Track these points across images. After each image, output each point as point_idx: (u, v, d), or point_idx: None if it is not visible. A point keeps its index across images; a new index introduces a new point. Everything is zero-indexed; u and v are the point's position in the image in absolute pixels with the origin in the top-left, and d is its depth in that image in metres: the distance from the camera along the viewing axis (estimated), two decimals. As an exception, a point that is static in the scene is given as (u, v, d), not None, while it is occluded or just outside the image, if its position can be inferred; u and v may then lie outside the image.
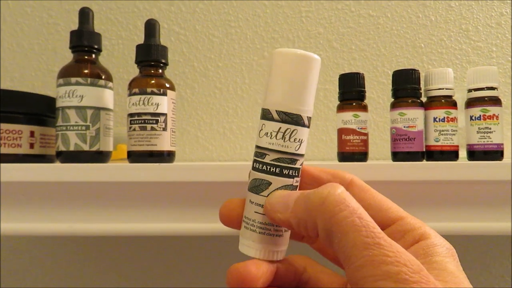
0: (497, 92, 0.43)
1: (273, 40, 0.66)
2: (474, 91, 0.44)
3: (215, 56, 0.66)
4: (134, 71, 0.66)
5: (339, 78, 0.46)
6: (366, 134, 0.44)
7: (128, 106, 0.40)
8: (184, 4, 0.66)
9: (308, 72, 0.25)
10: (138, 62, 0.42)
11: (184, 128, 0.65)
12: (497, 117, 0.42)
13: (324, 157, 0.65)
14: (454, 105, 0.44)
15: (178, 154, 0.65)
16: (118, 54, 0.66)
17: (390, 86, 0.46)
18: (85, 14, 0.44)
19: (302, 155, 0.26)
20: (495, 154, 0.42)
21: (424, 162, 0.41)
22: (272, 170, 0.25)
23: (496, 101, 0.42)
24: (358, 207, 0.21)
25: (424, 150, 0.43)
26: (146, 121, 0.39)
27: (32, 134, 0.42)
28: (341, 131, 0.45)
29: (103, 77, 0.43)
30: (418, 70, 0.44)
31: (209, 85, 0.66)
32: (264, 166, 0.26)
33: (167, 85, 0.41)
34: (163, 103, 0.40)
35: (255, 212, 0.26)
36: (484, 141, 0.42)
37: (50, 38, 0.66)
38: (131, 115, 0.40)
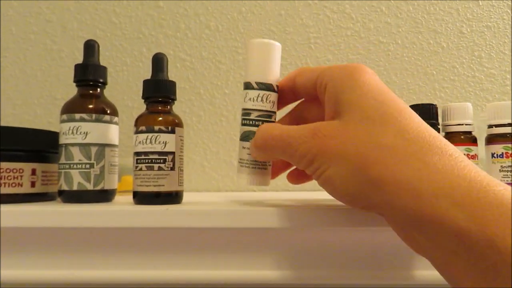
0: (520, 129, 0.41)
1: (282, 68, 0.64)
2: (495, 127, 0.42)
3: (222, 83, 0.64)
4: (139, 99, 0.65)
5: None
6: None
7: (135, 144, 0.38)
8: (190, 30, 0.65)
9: (273, 54, 0.37)
10: (145, 98, 0.40)
11: (190, 157, 0.63)
12: (520, 155, 0.40)
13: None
14: (474, 141, 0.42)
15: (184, 185, 0.63)
16: (123, 81, 0.64)
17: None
18: (90, 47, 0.42)
19: (275, 112, 0.37)
20: (518, 193, 0.40)
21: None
22: (257, 124, 0.36)
23: (518, 138, 0.41)
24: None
25: (443, 188, 0.41)
26: (153, 160, 0.37)
27: (33, 172, 0.41)
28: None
29: (108, 112, 0.41)
30: (435, 105, 0.43)
31: (215, 112, 0.64)
32: (251, 121, 0.36)
33: (175, 122, 0.39)
34: (171, 141, 0.38)
35: (247, 154, 0.36)
36: (507, 180, 0.40)
37: (53, 64, 0.65)
38: (137, 153, 0.38)
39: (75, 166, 0.39)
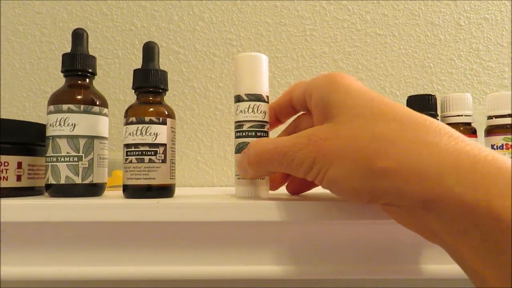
0: (520, 120, 0.40)
1: (276, 60, 0.63)
2: (495, 118, 0.41)
3: (216, 76, 0.63)
4: (131, 92, 0.64)
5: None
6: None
7: (124, 135, 0.37)
8: (184, 22, 0.64)
9: (260, 66, 0.38)
10: (136, 88, 0.39)
11: (184, 152, 0.62)
12: (520, 146, 0.39)
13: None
14: (473, 132, 0.41)
15: (177, 179, 0.61)
16: (114, 74, 0.63)
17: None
18: (78, 36, 0.41)
19: (267, 122, 0.38)
20: (519, 186, 0.39)
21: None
22: (250, 134, 0.37)
23: (518, 129, 0.40)
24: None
25: (442, 181, 0.40)
26: (144, 152, 0.36)
27: (19, 165, 0.39)
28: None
29: (97, 103, 0.40)
30: (434, 95, 0.42)
31: (209, 106, 0.63)
32: (244, 132, 0.37)
33: (167, 113, 0.38)
34: (163, 133, 0.37)
35: None
36: (507, 172, 0.39)
37: (42, 57, 0.63)
38: (127, 145, 0.37)
39: (62, 159, 0.38)
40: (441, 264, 0.33)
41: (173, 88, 0.63)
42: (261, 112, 0.38)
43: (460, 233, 0.20)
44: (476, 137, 0.41)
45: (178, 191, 0.51)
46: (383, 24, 0.64)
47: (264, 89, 0.38)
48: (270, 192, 0.38)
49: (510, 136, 0.39)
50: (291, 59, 0.63)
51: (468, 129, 0.41)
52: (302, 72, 0.63)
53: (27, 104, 0.62)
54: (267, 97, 0.38)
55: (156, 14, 0.63)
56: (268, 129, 0.38)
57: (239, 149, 0.38)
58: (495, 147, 0.40)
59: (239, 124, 0.38)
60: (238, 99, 0.38)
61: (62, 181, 0.37)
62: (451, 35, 0.64)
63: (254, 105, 0.37)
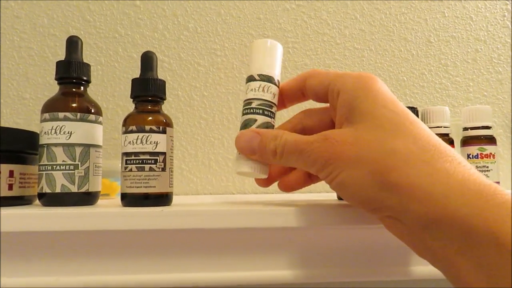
0: (492, 131, 0.44)
1: (259, 70, 0.65)
2: (471, 129, 0.44)
3: (201, 85, 0.64)
4: (114, 100, 0.63)
5: (338, 114, 0.46)
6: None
7: (123, 144, 0.37)
8: (168, 31, 0.64)
9: (275, 52, 0.39)
10: (134, 97, 0.39)
11: (168, 160, 0.62)
12: (493, 155, 0.43)
13: (311, 189, 0.64)
14: (451, 143, 0.44)
15: (161, 187, 0.61)
16: (97, 81, 0.62)
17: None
18: (73, 43, 0.41)
19: (275, 104, 0.37)
20: (492, 192, 0.43)
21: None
22: (258, 112, 0.36)
23: (491, 140, 0.43)
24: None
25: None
26: (144, 161, 0.36)
27: (11, 174, 0.38)
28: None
29: (92, 111, 0.40)
30: (416, 108, 0.45)
31: (194, 115, 0.63)
32: (252, 109, 0.37)
33: (166, 122, 0.38)
34: (162, 141, 0.37)
35: None
36: (482, 180, 0.43)
37: (21, 62, 0.61)
38: (127, 154, 0.37)
39: (58, 167, 0.37)
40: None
41: (158, 97, 0.63)
42: (271, 93, 0.37)
43: (459, 253, 0.22)
44: (453, 147, 0.44)
45: (180, 199, 0.51)
46: (361, 39, 0.67)
47: (276, 73, 0.38)
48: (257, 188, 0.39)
49: (484, 147, 0.43)
50: (274, 70, 0.65)
51: (446, 140, 0.44)
52: (290, 76, 0.65)
53: (5, 110, 0.60)
54: (278, 81, 0.38)
55: (141, 22, 0.63)
56: (275, 111, 0.38)
57: (245, 125, 0.37)
58: (470, 156, 0.43)
59: (248, 102, 0.37)
60: (250, 79, 0.38)
61: (58, 190, 0.37)
62: (422, 51, 0.68)
63: (265, 85, 0.37)
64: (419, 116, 0.46)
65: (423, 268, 0.35)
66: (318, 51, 0.66)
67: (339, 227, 0.35)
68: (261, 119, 0.37)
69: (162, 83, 0.40)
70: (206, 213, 0.33)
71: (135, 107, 0.39)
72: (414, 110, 0.44)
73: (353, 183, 0.25)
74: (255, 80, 0.38)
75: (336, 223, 0.34)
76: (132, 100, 0.39)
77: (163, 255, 0.34)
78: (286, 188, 0.38)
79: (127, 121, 0.38)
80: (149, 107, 0.39)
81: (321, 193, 0.63)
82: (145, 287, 0.33)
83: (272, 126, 0.38)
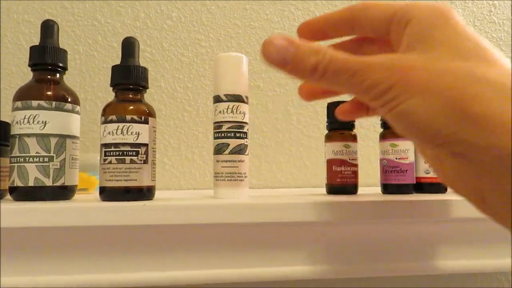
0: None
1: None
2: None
3: (184, 77, 0.62)
4: (93, 90, 0.60)
5: (328, 107, 0.45)
6: (356, 165, 0.43)
7: (103, 135, 0.35)
8: (151, 20, 0.61)
9: (241, 66, 0.38)
10: (114, 85, 0.37)
11: (150, 154, 0.60)
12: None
13: (299, 184, 0.62)
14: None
15: (143, 182, 0.59)
16: (75, 71, 0.59)
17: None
18: (49, 27, 0.38)
19: (246, 123, 0.38)
20: (482, 186, 0.42)
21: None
22: (228, 135, 0.37)
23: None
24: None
25: (414, 182, 0.42)
26: (125, 152, 0.34)
27: (-21, 166, 0.35)
28: (331, 162, 0.43)
29: (69, 100, 0.37)
30: (407, 100, 0.43)
31: (177, 107, 0.61)
32: (223, 133, 0.37)
33: (148, 111, 0.36)
34: (144, 132, 0.35)
35: (222, 167, 0.37)
36: (472, 174, 0.42)
37: (-7, 50, 0.58)
38: (106, 145, 0.35)
39: (31, 160, 0.35)
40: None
41: (139, 88, 0.60)
42: (240, 112, 0.37)
43: None
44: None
45: (161, 194, 0.49)
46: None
47: (244, 90, 0.38)
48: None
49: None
50: (260, 62, 0.63)
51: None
52: (271, 75, 0.63)
53: (-25, 100, 0.57)
54: (247, 97, 0.39)
55: (122, 10, 0.61)
56: (247, 130, 0.38)
57: (218, 150, 0.37)
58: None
59: (218, 125, 0.38)
60: (217, 99, 0.38)
61: (31, 183, 0.34)
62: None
63: (234, 105, 0.37)
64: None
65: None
66: (305, 43, 0.65)
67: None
68: (233, 142, 0.37)
69: (144, 71, 0.37)
70: (190, 208, 0.31)
71: (116, 95, 0.37)
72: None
73: (421, 112, 0.22)
74: (222, 101, 0.37)
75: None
76: (112, 88, 0.37)
77: (145, 252, 0.32)
78: (309, 96, 0.31)
79: (106, 110, 0.36)
80: (130, 96, 0.37)
81: (309, 188, 0.62)
82: (124, 286, 0.31)
83: (245, 147, 0.38)
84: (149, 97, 0.60)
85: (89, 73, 0.60)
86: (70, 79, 0.59)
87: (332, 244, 0.35)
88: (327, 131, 0.44)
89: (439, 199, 0.35)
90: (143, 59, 0.61)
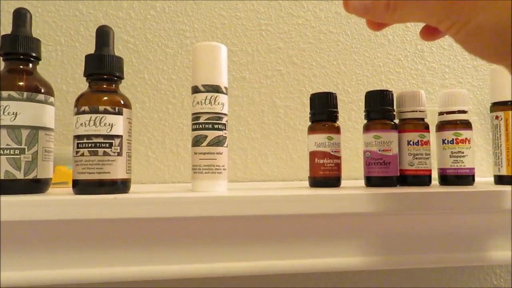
0: (468, 116, 0.43)
1: (231, 53, 0.62)
2: (446, 114, 0.43)
3: (168, 68, 0.60)
4: (74, 82, 0.59)
5: (311, 98, 0.44)
6: (339, 158, 0.42)
7: (75, 126, 0.34)
8: (134, 10, 0.60)
9: (219, 56, 0.37)
10: (88, 75, 0.35)
11: (133, 147, 0.59)
12: (469, 141, 0.42)
13: (285, 178, 0.62)
14: (426, 128, 0.42)
15: (126, 176, 0.58)
16: (56, 62, 0.58)
17: (350, 104, 0.44)
18: (21, 16, 0.37)
19: (226, 114, 0.37)
20: (467, 178, 0.41)
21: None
22: (206, 127, 0.36)
23: (467, 125, 0.42)
24: None
25: (398, 174, 0.42)
26: (98, 144, 0.33)
27: None
28: (314, 154, 0.42)
29: (42, 90, 0.36)
30: (391, 91, 0.43)
31: (161, 99, 0.60)
32: (200, 125, 0.36)
33: (123, 102, 0.35)
34: (118, 124, 0.34)
35: (199, 159, 0.36)
36: (457, 165, 0.41)
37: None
38: (78, 137, 0.34)
39: (1, 152, 0.34)
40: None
41: (122, 80, 0.59)
42: (219, 103, 0.36)
43: None
44: (428, 132, 0.42)
45: (138, 187, 0.48)
46: (336, 22, 0.65)
47: (222, 80, 0.37)
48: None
49: (460, 131, 0.41)
50: (246, 53, 0.62)
51: (422, 124, 0.42)
52: (257, 66, 0.62)
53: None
54: (226, 88, 0.38)
55: (104, 1, 0.59)
56: (226, 121, 0.37)
57: (196, 142, 0.36)
58: (446, 141, 0.42)
59: (195, 116, 0.37)
60: (195, 90, 0.37)
61: (1, 177, 0.33)
62: (399, 36, 0.66)
63: (212, 96, 0.36)
64: (394, 100, 0.44)
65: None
66: (292, 34, 0.64)
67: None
68: (211, 134, 0.36)
69: (119, 60, 0.36)
70: (162, 201, 0.30)
71: (89, 86, 0.36)
72: (389, 93, 0.42)
73: (492, 26, 0.21)
74: (200, 91, 0.36)
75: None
76: (86, 79, 0.36)
77: (118, 247, 0.31)
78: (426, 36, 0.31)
79: (79, 101, 0.35)
80: (104, 86, 0.36)
81: (294, 181, 0.61)
82: (95, 281, 0.30)
83: (224, 139, 0.37)
84: (132, 88, 0.59)
85: (70, 64, 0.58)
86: (51, 70, 0.58)
87: (315, 236, 0.34)
88: (310, 123, 0.43)
89: (423, 191, 0.34)
90: (126, 50, 0.60)
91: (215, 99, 0.37)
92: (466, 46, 0.24)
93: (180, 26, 0.61)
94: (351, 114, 0.64)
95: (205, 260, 0.32)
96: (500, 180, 0.42)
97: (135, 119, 0.59)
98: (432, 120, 0.44)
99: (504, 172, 0.42)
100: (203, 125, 0.36)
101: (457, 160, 0.41)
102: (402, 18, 0.25)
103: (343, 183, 0.49)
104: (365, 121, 0.43)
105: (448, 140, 0.42)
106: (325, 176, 0.41)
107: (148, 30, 0.60)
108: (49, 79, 0.57)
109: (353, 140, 0.64)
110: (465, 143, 0.41)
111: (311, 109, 0.44)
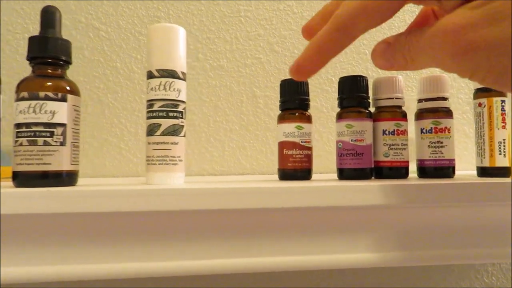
0: (449, 103, 0.40)
1: (208, 41, 0.59)
2: (425, 101, 0.40)
3: (142, 57, 0.58)
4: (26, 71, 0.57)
5: (281, 85, 0.41)
6: (310, 149, 0.39)
7: (15, 114, 0.32)
8: (106, -4, 0.58)
9: (175, 39, 0.34)
10: (31, 58, 0.33)
11: (105, 139, 0.56)
12: (449, 130, 0.39)
13: (264, 171, 0.59)
14: (404, 116, 0.40)
15: (97, 169, 0.56)
16: (24, 52, 0.56)
17: (334, 94, 0.41)
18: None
19: (183, 101, 0.35)
20: (446, 170, 0.38)
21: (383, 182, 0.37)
22: (160, 115, 0.34)
23: (447, 113, 0.39)
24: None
25: (372, 166, 0.39)
26: (37, 133, 0.31)
27: None
28: (282, 145, 0.39)
29: (-15, 76, 0.34)
30: (366, 77, 0.40)
31: (134, 89, 0.57)
32: (154, 113, 0.34)
33: (69, 89, 0.33)
34: (62, 111, 0.32)
35: (153, 149, 0.34)
36: (435, 156, 0.38)
37: None
38: (18, 125, 0.31)
39: None
40: None
41: (93, 69, 0.57)
42: (174, 89, 0.34)
43: None
44: (406, 120, 0.39)
45: (94, 181, 0.46)
46: (319, 8, 0.61)
47: (179, 65, 0.35)
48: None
49: (439, 120, 0.38)
50: (224, 40, 0.60)
51: (399, 113, 0.39)
52: (236, 54, 0.60)
53: None
54: (183, 73, 0.35)
55: (74, -14, 0.57)
56: (184, 109, 0.35)
57: (149, 131, 0.34)
58: (424, 130, 0.39)
59: (149, 104, 0.34)
60: (149, 75, 0.34)
61: None
62: (387, 22, 0.63)
63: (166, 82, 0.34)
64: (371, 87, 0.41)
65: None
66: (273, 20, 0.61)
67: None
68: (165, 123, 0.34)
69: (66, 44, 0.34)
70: (104, 194, 0.28)
71: (32, 70, 0.33)
72: (363, 79, 0.39)
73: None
74: (154, 76, 0.34)
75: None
76: (29, 63, 0.33)
77: (60, 242, 0.29)
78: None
79: (20, 87, 0.32)
80: (49, 70, 0.33)
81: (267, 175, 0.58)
82: (37, 280, 0.28)
83: (181, 128, 0.34)
84: (104, 78, 0.57)
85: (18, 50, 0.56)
86: (18, 59, 0.55)
87: (279, 231, 0.31)
88: (280, 111, 0.41)
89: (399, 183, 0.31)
90: (98, 38, 0.57)
91: (170, 85, 0.34)
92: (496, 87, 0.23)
93: (155, 13, 0.58)
94: (335, 104, 0.61)
95: (153, 258, 0.30)
96: (483, 172, 0.39)
97: (107, 110, 0.57)
98: (413, 110, 0.41)
99: (487, 163, 0.39)
100: (157, 112, 0.34)
101: (436, 151, 0.38)
102: (423, 66, 0.25)
103: (318, 176, 0.46)
104: (338, 109, 0.40)
105: (426, 129, 0.39)
106: (295, 168, 0.39)
107: (121, 16, 0.58)
108: (17, 69, 0.55)
109: (333, 130, 0.61)
110: (445, 132, 0.38)
111: (281, 96, 0.41)
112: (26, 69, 0.34)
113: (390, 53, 0.27)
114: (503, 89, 0.23)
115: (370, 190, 0.31)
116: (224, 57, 0.59)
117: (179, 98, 0.34)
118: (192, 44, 0.59)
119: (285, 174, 0.39)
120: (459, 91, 0.64)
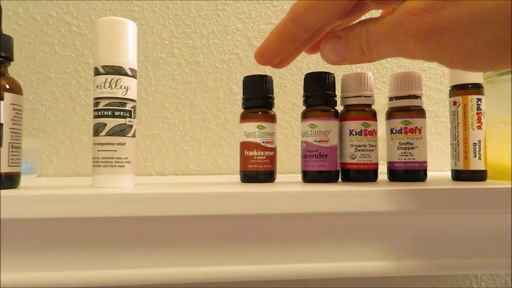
0: (421, 102, 0.37)
1: (184, 35, 0.57)
2: (396, 99, 0.37)
3: (115, 52, 0.56)
4: (15, 69, 0.55)
5: (243, 81, 0.39)
6: (273, 150, 0.37)
7: (-51, 113, 0.30)
8: (78, -11, 0.56)
9: (123, 33, 0.33)
10: (-33, 55, 0.31)
11: (76, 137, 0.55)
12: (420, 130, 0.36)
13: (233, 171, 0.57)
14: (373, 115, 0.37)
15: (69, 167, 0.54)
16: (-6, 47, 0.54)
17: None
18: None
19: (132, 100, 0.33)
20: (417, 173, 0.36)
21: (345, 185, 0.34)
22: (106, 114, 0.32)
23: (419, 112, 0.36)
24: None
25: (338, 168, 0.37)
26: (-30, 134, 0.29)
27: None
28: (243, 146, 0.37)
29: None
30: (333, 73, 0.37)
31: (107, 86, 0.56)
32: (100, 111, 0.32)
33: (8, 87, 0.31)
34: (-2, 110, 0.30)
35: (98, 150, 0.32)
36: (405, 159, 0.36)
37: None
38: (-49, 126, 0.30)
39: None
40: None
41: (65, 65, 0.55)
42: (121, 87, 0.32)
43: None
44: (375, 120, 0.37)
45: (47, 182, 0.44)
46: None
47: (127, 61, 0.33)
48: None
49: (410, 119, 0.36)
50: (200, 35, 0.57)
51: (367, 112, 0.37)
52: (213, 50, 0.57)
53: None
54: (132, 70, 0.33)
55: (45, -21, 0.55)
56: (132, 108, 0.33)
57: (95, 131, 0.33)
58: (394, 130, 0.37)
59: (95, 102, 0.33)
60: (96, 72, 0.33)
61: None
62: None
63: (112, 79, 0.32)
64: (340, 84, 0.38)
65: None
66: (251, 14, 0.58)
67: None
68: (111, 122, 0.32)
69: (7, 39, 0.32)
70: (39, 199, 0.26)
71: (-31, 68, 0.32)
72: (329, 75, 0.37)
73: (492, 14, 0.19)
74: (100, 73, 0.32)
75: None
76: (-33, 59, 0.32)
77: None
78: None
79: (-46, 85, 0.30)
80: (-13, 68, 0.31)
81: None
82: None
83: (129, 127, 0.33)
84: (76, 74, 0.55)
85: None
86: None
87: (227, 240, 0.30)
88: (242, 110, 0.39)
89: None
90: (69, 33, 0.55)
91: (116, 82, 0.32)
92: (462, 66, 0.22)
93: (128, 6, 0.57)
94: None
95: (90, 265, 0.28)
96: (457, 175, 0.37)
97: (79, 107, 0.55)
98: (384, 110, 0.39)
99: (461, 166, 0.36)
100: (102, 111, 0.32)
101: (405, 153, 0.36)
102: (382, 56, 0.25)
103: (285, 177, 0.44)
104: (304, 108, 0.38)
105: (396, 130, 0.36)
106: (256, 170, 0.37)
107: (93, 10, 0.56)
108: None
109: (318, 129, 0.58)
110: (415, 133, 0.36)
111: (243, 94, 0.39)
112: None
113: (342, 46, 0.26)
114: (473, 70, 0.23)
115: (337, 194, 0.29)
116: (200, 52, 0.57)
117: (126, 96, 0.33)
118: (167, 39, 0.57)
119: (247, 176, 0.37)
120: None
